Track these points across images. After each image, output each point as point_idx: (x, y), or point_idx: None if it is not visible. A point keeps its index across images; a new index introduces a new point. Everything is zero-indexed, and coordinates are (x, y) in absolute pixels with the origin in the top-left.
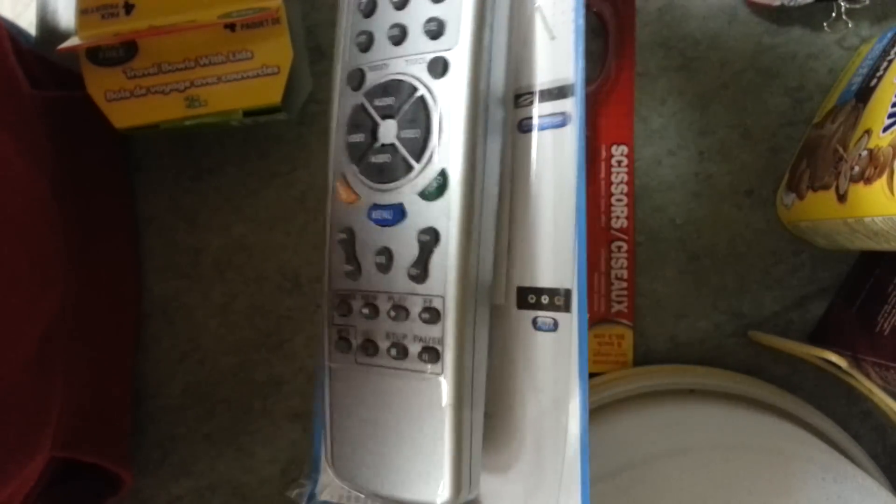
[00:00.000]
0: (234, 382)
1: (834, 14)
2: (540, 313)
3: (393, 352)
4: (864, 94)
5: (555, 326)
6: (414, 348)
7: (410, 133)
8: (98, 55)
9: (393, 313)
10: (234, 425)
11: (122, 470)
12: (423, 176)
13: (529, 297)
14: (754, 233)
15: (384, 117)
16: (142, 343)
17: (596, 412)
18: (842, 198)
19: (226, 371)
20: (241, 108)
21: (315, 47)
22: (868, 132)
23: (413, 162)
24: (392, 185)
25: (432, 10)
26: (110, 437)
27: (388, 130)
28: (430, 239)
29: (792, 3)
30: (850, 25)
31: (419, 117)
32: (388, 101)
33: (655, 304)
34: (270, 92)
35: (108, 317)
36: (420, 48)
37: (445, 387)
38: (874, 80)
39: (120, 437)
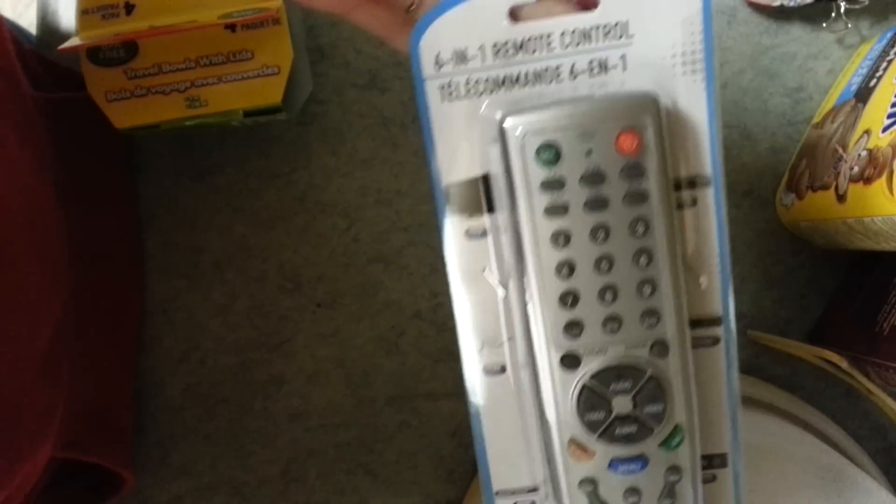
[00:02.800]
0: (235, 382)
1: (833, 14)
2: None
3: None
4: (863, 94)
5: (713, 479)
6: None
7: (653, 409)
8: (98, 55)
9: None
10: (234, 425)
11: (124, 470)
12: (663, 433)
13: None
14: (754, 233)
15: (615, 395)
16: (142, 343)
17: None
18: (841, 198)
19: (226, 371)
20: (241, 109)
21: (315, 48)
22: (867, 132)
23: (656, 428)
24: (634, 444)
25: (645, 304)
26: (112, 438)
27: (624, 405)
28: (676, 477)
29: (791, 4)
30: (849, 25)
31: (658, 395)
32: (622, 383)
33: None
34: (271, 92)
35: (110, 317)
36: (639, 334)
37: None
38: (873, 81)
39: (122, 438)
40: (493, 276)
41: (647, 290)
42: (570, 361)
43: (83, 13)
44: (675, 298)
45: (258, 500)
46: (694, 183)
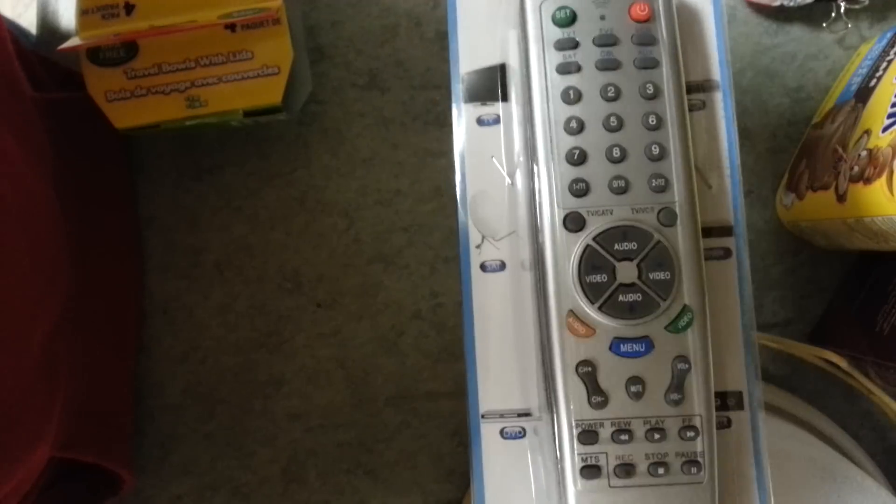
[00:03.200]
0: (235, 382)
1: (833, 14)
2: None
3: (654, 470)
4: (863, 94)
5: (728, 424)
6: (676, 463)
7: (659, 276)
8: (99, 55)
9: (655, 435)
10: (235, 425)
11: (123, 470)
12: (671, 311)
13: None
14: (754, 233)
15: (620, 259)
16: (142, 343)
17: None
18: (841, 198)
19: (226, 371)
20: (241, 109)
21: (315, 47)
22: (867, 132)
23: (662, 302)
24: (640, 320)
25: (653, 167)
26: (111, 438)
27: (628, 272)
28: (684, 367)
29: (791, 4)
30: (849, 25)
31: (665, 262)
32: (627, 245)
33: None
34: (271, 92)
35: (109, 317)
36: (647, 198)
37: (709, 491)
38: (873, 81)
39: (121, 438)
40: (500, 164)
41: (655, 151)
42: (574, 222)
43: (83, 13)
44: (684, 168)
45: (258, 499)
46: (703, 87)
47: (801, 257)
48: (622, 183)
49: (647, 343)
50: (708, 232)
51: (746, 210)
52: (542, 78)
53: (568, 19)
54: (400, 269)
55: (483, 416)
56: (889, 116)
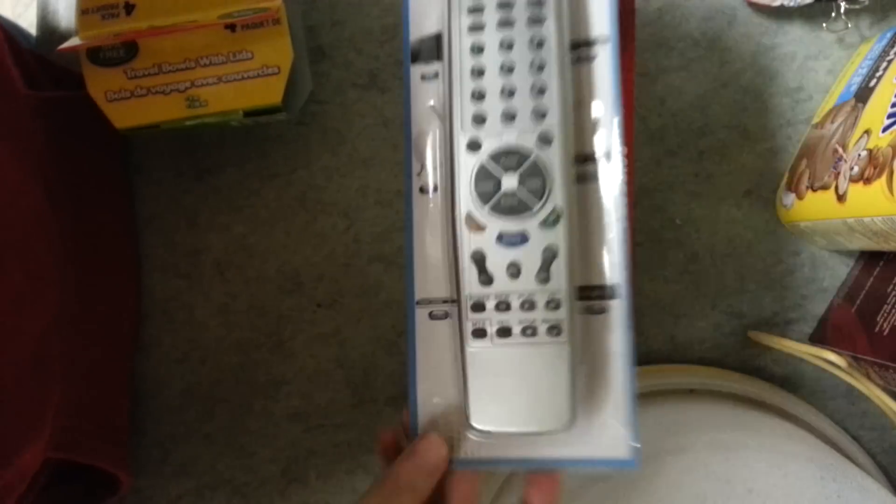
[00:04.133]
0: (235, 382)
1: (833, 14)
2: (594, 303)
3: (527, 332)
4: (863, 94)
5: (607, 310)
6: (542, 328)
7: (533, 184)
8: (99, 55)
9: (526, 306)
10: (235, 425)
11: (120, 471)
12: (543, 212)
13: (585, 292)
14: (754, 233)
15: (506, 171)
16: (142, 343)
17: None
18: (841, 198)
19: (226, 371)
20: (241, 109)
21: (316, 47)
22: (867, 132)
23: (535, 203)
24: (518, 218)
25: (535, 103)
26: (108, 439)
27: (511, 182)
28: (551, 254)
29: (791, 4)
30: (849, 25)
31: (537, 174)
32: (510, 161)
33: (655, 304)
34: (271, 92)
35: (106, 317)
36: (528, 125)
37: (568, 349)
38: (873, 81)
39: (118, 439)
40: (436, 110)
41: (538, 90)
42: (473, 145)
43: (83, 13)
44: (559, 101)
45: (258, 500)
46: (594, 42)
47: (802, 257)
48: (511, 116)
49: (524, 236)
50: (583, 160)
51: (746, 210)
52: (457, 36)
53: None
54: (400, 268)
55: (417, 303)
56: (889, 116)
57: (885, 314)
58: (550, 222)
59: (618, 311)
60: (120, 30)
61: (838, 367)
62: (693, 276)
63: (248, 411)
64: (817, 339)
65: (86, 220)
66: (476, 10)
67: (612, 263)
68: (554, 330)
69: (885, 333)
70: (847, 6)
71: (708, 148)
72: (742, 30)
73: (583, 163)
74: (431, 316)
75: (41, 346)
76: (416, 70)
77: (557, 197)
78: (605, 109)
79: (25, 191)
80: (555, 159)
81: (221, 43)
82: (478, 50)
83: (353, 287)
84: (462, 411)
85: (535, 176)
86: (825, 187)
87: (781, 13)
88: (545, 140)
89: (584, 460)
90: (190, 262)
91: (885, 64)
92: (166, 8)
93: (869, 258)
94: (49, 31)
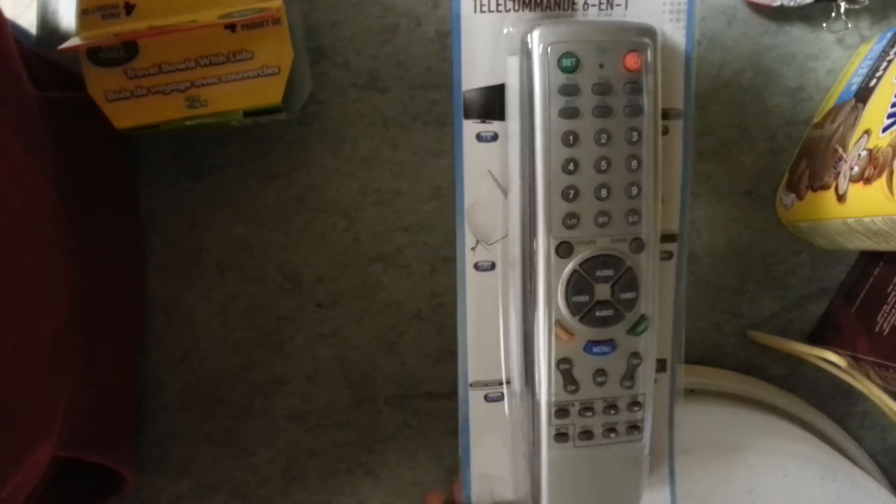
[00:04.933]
0: (235, 382)
1: (833, 14)
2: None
3: (607, 434)
4: (863, 94)
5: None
6: (622, 427)
7: (627, 295)
8: (99, 55)
9: (610, 411)
10: (235, 425)
11: (126, 470)
12: (630, 320)
13: None
14: (754, 233)
15: (598, 281)
16: (143, 343)
17: None
18: (841, 198)
19: (226, 371)
20: (241, 109)
21: (315, 48)
22: (867, 132)
23: (627, 315)
24: (609, 329)
25: (630, 204)
26: (114, 437)
27: (604, 292)
28: (637, 361)
29: (791, 4)
30: (849, 25)
31: (632, 284)
32: (607, 272)
33: None
34: (271, 92)
35: (112, 316)
36: (622, 231)
37: (645, 445)
38: (873, 81)
39: (124, 437)
40: (496, 178)
41: (633, 191)
42: (564, 250)
43: (83, 13)
44: (653, 203)
45: (258, 500)
46: (667, 114)
47: (802, 257)
48: (605, 218)
49: (612, 345)
50: (667, 239)
51: (746, 210)
52: (545, 120)
53: (573, 67)
54: (400, 269)
55: (471, 385)
56: (889, 116)
57: (885, 314)
58: (639, 331)
59: (665, 384)
60: (120, 30)
61: (838, 367)
62: (693, 275)
63: (248, 411)
64: (817, 339)
65: (92, 220)
66: (570, 90)
67: (668, 339)
68: (634, 429)
69: (885, 333)
70: (847, 6)
71: (708, 148)
72: (742, 30)
73: (666, 242)
74: (487, 399)
75: (54, 346)
76: (471, 127)
77: (647, 304)
78: (672, 195)
79: (41, 192)
80: (647, 266)
81: (221, 43)
82: (573, 140)
83: (353, 287)
84: (520, 491)
85: (628, 287)
86: (825, 187)
87: (781, 13)
88: (638, 246)
89: None
90: (190, 263)
91: (884, 64)
92: (166, 8)
93: (869, 258)
94: (49, 31)
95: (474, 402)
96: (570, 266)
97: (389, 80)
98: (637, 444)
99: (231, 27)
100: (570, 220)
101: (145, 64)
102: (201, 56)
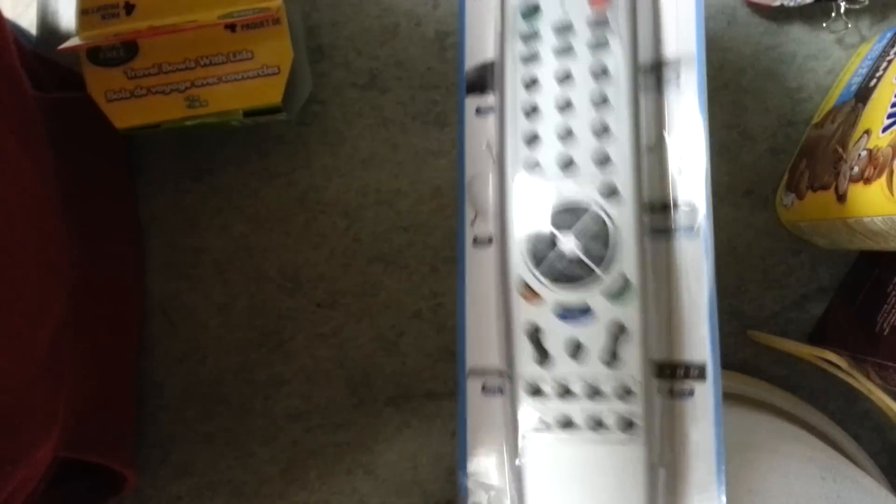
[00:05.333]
0: (235, 382)
1: (833, 14)
2: (676, 383)
3: (596, 428)
4: (863, 94)
5: (692, 394)
6: (610, 420)
7: (595, 248)
8: (99, 55)
9: (594, 395)
10: (235, 425)
11: (127, 469)
12: (606, 280)
13: (666, 370)
14: (754, 233)
15: (559, 229)
16: (142, 343)
17: None
18: (841, 198)
19: (226, 371)
20: (241, 109)
21: (315, 48)
22: (867, 132)
23: (602, 274)
24: (578, 287)
25: (598, 146)
26: (115, 437)
27: (568, 242)
28: (617, 331)
29: (791, 4)
30: (849, 25)
31: (601, 234)
32: (566, 218)
33: None
34: (271, 92)
35: (112, 316)
36: (590, 176)
37: (643, 449)
38: (873, 81)
39: (124, 437)
40: (491, 150)
41: (602, 132)
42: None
43: (83, 13)
44: (631, 148)
45: (258, 500)
46: (673, 62)
47: (802, 257)
48: (569, 162)
49: (589, 312)
50: (661, 208)
51: (746, 210)
52: (511, 66)
53: (531, 12)
54: (400, 269)
55: (469, 373)
56: (889, 116)
57: (886, 314)
58: (616, 293)
59: (702, 397)
60: (120, 30)
61: (838, 367)
62: None
63: (247, 411)
64: (817, 338)
65: (92, 220)
66: (530, 36)
67: (699, 337)
68: (629, 426)
69: (886, 333)
70: (847, 6)
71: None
72: (741, 30)
73: (661, 212)
74: (485, 389)
75: (54, 346)
76: (472, 102)
77: (626, 262)
78: (688, 146)
79: (41, 193)
80: (623, 215)
81: (221, 43)
82: (531, 83)
83: (353, 287)
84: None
85: (595, 237)
86: (825, 187)
87: (781, 13)
88: (609, 192)
89: None
90: (190, 262)
91: (884, 64)
92: (166, 8)
93: (869, 258)
94: (49, 31)
95: (471, 393)
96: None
97: (389, 80)
98: (635, 448)
99: (231, 27)
100: (530, 165)
101: (145, 64)
102: (201, 56)
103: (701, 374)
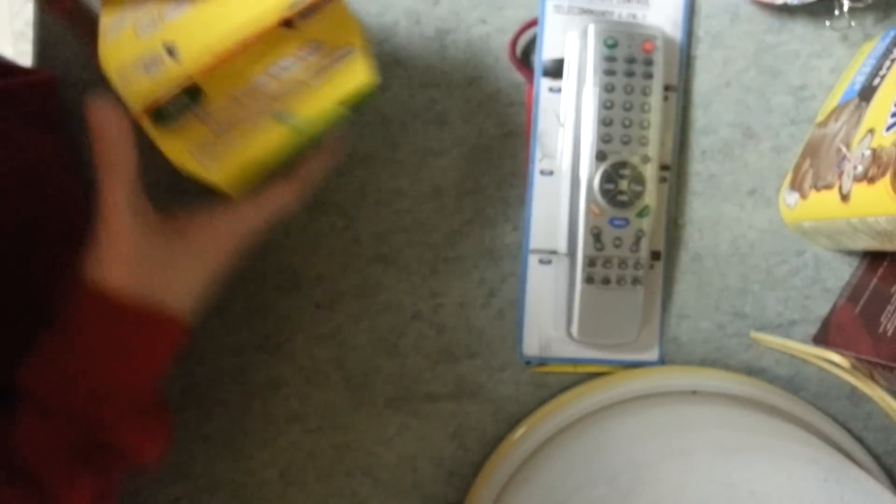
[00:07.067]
0: (233, 383)
1: (836, 12)
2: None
3: (621, 282)
4: (867, 92)
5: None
6: (629, 279)
7: (637, 188)
8: (162, 114)
9: (622, 265)
10: (233, 427)
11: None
12: (639, 206)
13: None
14: (757, 233)
15: (620, 177)
16: None
17: (598, 413)
18: (845, 198)
19: (224, 372)
20: (337, 102)
21: None
22: (871, 131)
23: (636, 202)
24: (623, 208)
25: (642, 133)
26: None
27: (623, 184)
28: (641, 235)
29: (795, 2)
30: (852, 23)
31: (641, 181)
32: (625, 171)
33: (657, 305)
34: (358, 71)
35: None
36: (636, 148)
37: (642, 293)
38: (877, 79)
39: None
40: (558, 117)
41: (645, 124)
42: (601, 155)
43: (121, 76)
44: (657, 135)
45: (256, 502)
46: (669, 88)
47: (805, 258)
48: (627, 139)
49: (626, 221)
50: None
51: (750, 210)
52: (595, 77)
53: (613, 44)
54: (400, 269)
55: (531, 251)
56: (893, 115)
57: (889, 315)
58: (642, 213)
59: (659, 268)
60: (172, 76)
61: (842, 368)
62: (696, 276)
63: (246, 413)
64: (821, 340)
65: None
66: (610, 59)
67: (662, 238)
68: (636, 282)
69: (889, 334)
70: (850, 4)
71: (711, 147)
72: (745, 28)
73: (664, 170)
74: (541, 261)
75: None
76: (545, 83)
77: (649, 197)
78: (673, 135)
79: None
80: (650, 173)
81: (283, 44)
82: (610, 88)
83: (353, 287)
84: (558, 326)
85: (638, 183)
86: (829, 187)
87: (784, 11)
88: (646, 160)
89: (631, 361)
90: None
91: (888, 62)
92: (209, 33)
93: (873, 258)
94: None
95: (532, 263)
96: (604, 166)
97: (389, 79)
98: (637, 293)
99: (287, 23)
100: (606, 139)
101: (216, 99)
102: (269, 66)
103: (657, 256)
